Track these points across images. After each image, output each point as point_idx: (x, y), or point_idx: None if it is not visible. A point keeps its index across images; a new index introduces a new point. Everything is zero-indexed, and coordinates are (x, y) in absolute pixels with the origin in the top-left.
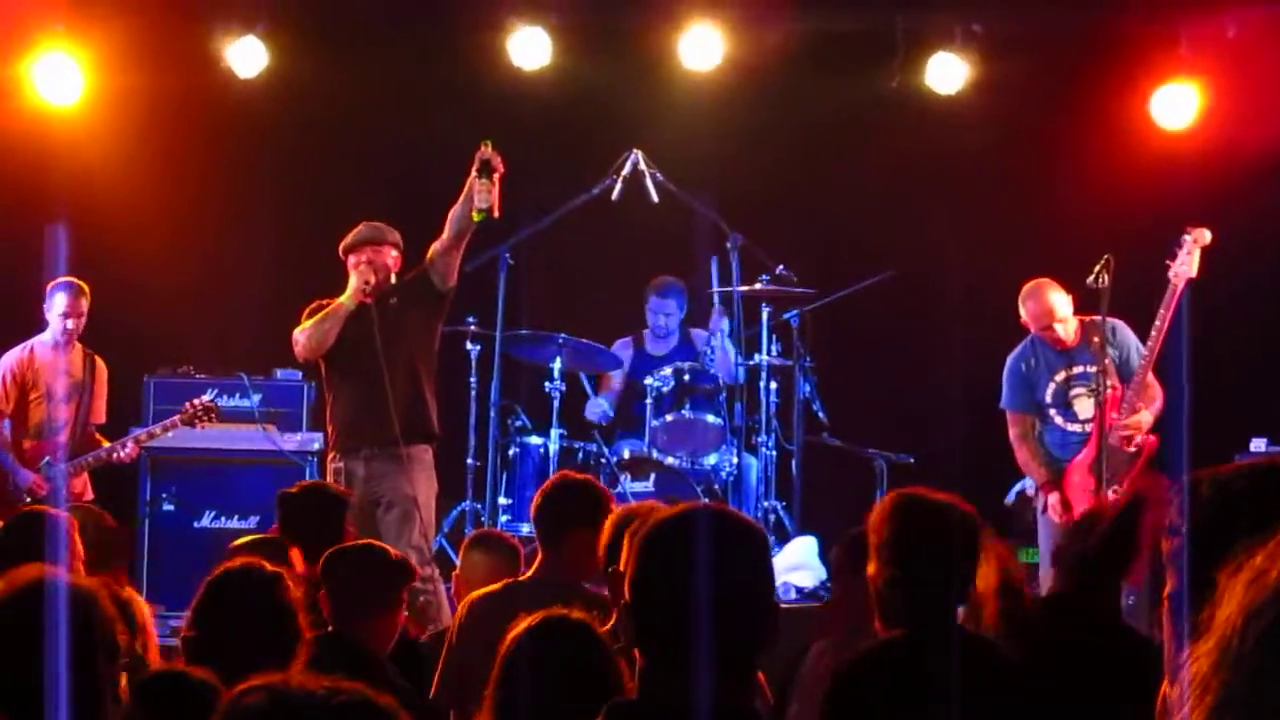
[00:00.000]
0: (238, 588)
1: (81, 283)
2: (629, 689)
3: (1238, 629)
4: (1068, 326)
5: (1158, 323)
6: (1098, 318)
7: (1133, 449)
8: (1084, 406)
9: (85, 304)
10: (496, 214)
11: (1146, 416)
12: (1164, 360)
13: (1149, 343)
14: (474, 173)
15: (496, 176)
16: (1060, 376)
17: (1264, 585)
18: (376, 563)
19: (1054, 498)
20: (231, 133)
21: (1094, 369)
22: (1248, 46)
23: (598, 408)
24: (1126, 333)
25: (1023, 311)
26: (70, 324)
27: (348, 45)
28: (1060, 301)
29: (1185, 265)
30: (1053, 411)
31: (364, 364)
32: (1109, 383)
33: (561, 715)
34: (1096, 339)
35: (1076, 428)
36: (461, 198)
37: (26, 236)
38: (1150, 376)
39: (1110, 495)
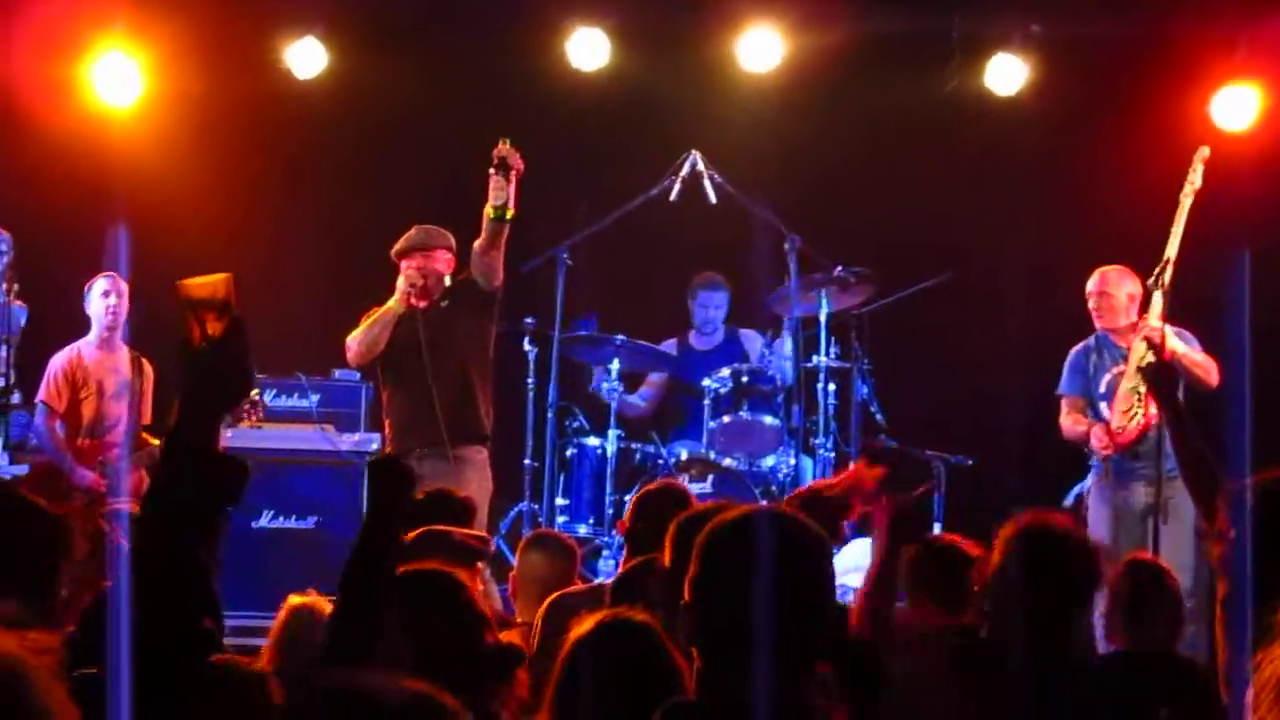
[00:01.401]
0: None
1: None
2: (690, 690)
3: None
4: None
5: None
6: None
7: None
8: (1121, 407)
9: (124, 288)
10: (511, 211)
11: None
12: (1224, 357)
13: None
14: (491, 170)
15: (514, 174)
16: (1118, 369)
17: None
18: (448, 543)
19: (1098, 428)
20: (289, 134)
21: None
22: None
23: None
24: (1179, 340)
25: (1101, 293)
26: (112, 301)
27: (407, 46)
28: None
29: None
30: (1103, 404)
31: (412, 367)
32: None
33: (622, 715)
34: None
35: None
36: None
37: (86, 236)
38: (1202, 355)
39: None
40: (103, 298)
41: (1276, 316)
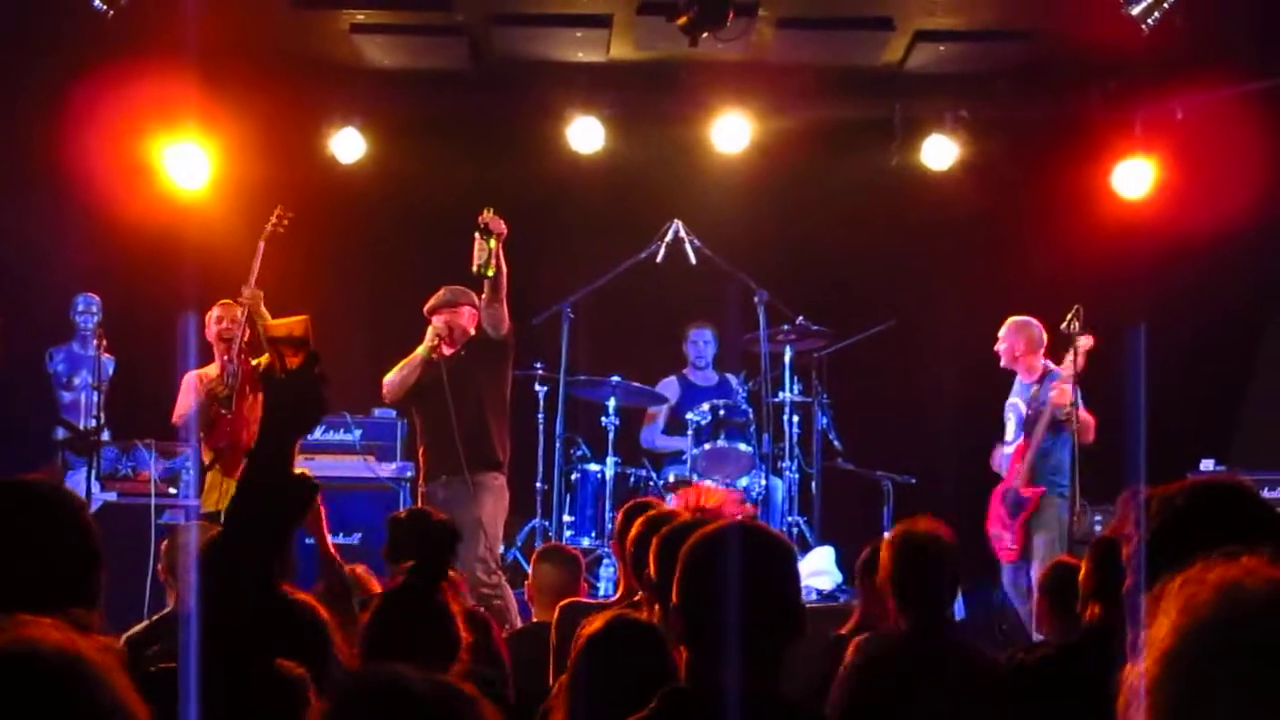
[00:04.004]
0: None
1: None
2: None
3: (1172, 649)
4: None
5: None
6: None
7: (1025, 493)
8: (1009, 430)
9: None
10: (493, 270)
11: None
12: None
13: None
14: (476, 235)
15: (495, 237)
16: (1009, 400)
17: (1193, 609)
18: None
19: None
20: (336, 211)
21: (1022, 402)
22: (1194, 128)
23: (652, 437)
24: (1060, 381)
25: (1010, 338)
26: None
27: (432, 135)
28: (1004, 332)
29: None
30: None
31: (437, 405)
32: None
33: (627, 704)
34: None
35: (1005, 447)
36: None
37: (163, 299)
38: (1083, 412)
39: (1010, 536)
40: (216, 324)
41: (1176, 351)
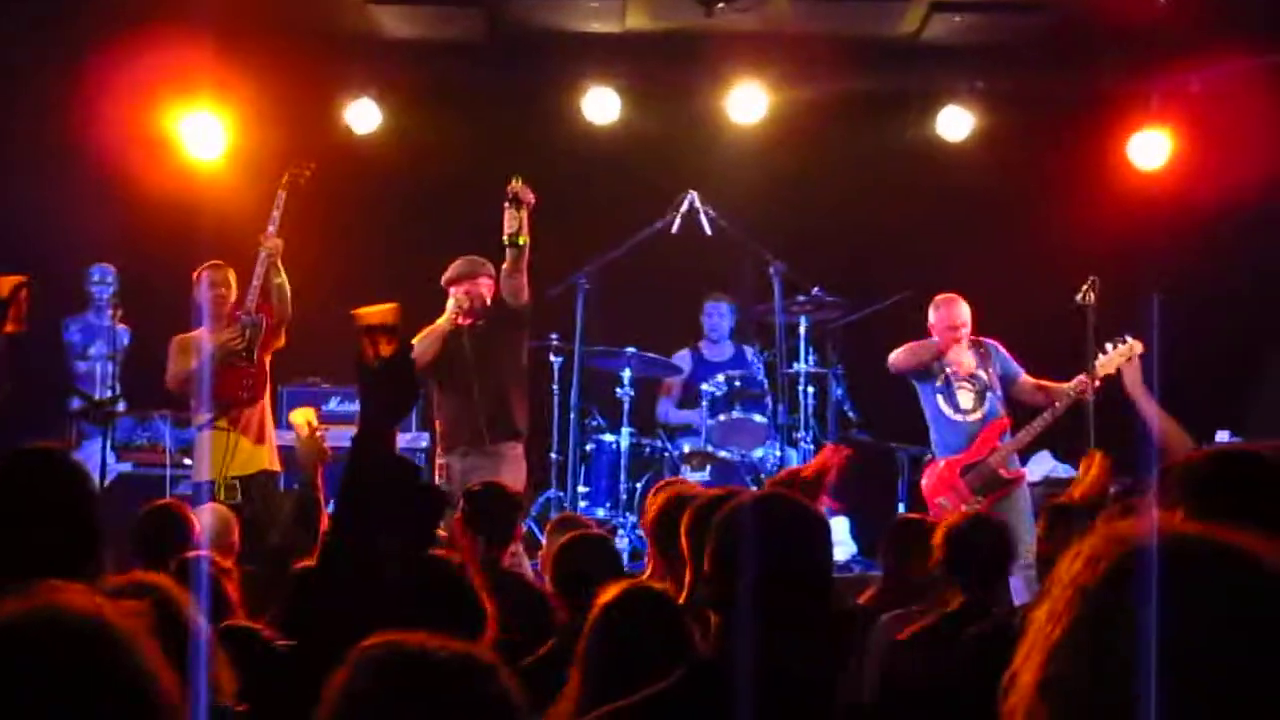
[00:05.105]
0: None
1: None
2: (699, 647)
3: (1060, 595)
4: (965, 333)
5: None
6: (981, 338)
7: (1006, 475)
8: (965, 399)
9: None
10: (525, 238)
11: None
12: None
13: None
14: (505, 204)
15: (525, 207)
16: (949, 370)
17: (1090, 560)
18: None
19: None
20: (351, 180)
21: (980, 371)
22: (1210, 100)
23: (665, 411)
24: (1003, 351)
25: (932, 316)
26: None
27: (448, 106)
28: (965, 312)
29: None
30: (940, 397)
31: (458, 376)
32: (1001, 410)
33: (641, 665)
34: (982, 351)
35: (958, 417)
36: None
37: (178, 270)
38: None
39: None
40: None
41: (1193, 324)
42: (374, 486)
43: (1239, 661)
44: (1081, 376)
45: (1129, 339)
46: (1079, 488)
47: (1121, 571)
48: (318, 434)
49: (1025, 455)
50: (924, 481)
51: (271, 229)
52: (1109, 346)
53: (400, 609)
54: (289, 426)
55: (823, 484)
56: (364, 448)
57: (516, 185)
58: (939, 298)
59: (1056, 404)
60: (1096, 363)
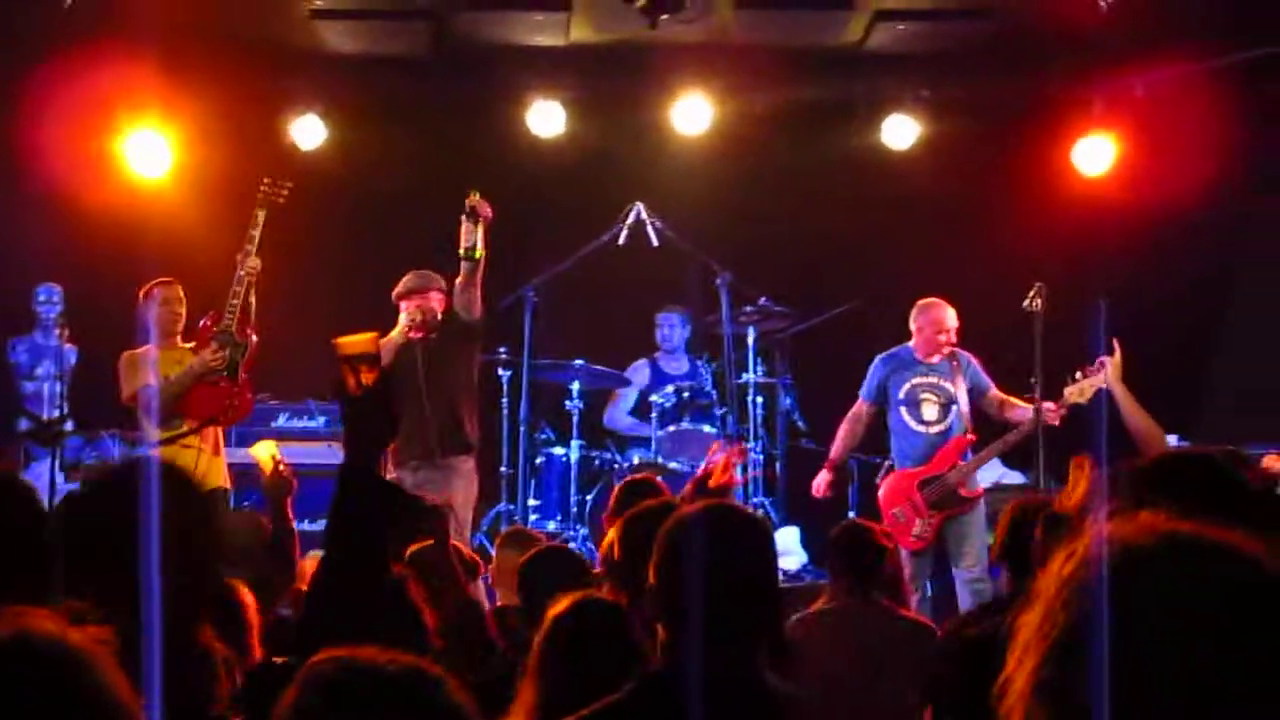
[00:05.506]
0: None
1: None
2: (652, 660)
3: (1052, 598)
4: (946, 339)
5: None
6: (956, 349)
7: (965, 494)
8: (929, 411)
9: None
10: (480, 252)
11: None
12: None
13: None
14: (462, 217)
15: (482, 220)
16: (916, 380)
17: (1080, 561)
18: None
19: (824, 478)
20: (298, 196)
21: (947, 383)
22: (1154, 104)
23: (614, 417)
24: (975, 364)
25: (915, 322)
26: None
27: (393, 120)
28: (951, 318)
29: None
30: (903, 409)
31: (410, 390)
32: (965, 426)
33: (592, 679)
34: (955, 363)
35: (920, 428)
36: None
37: (125, 289)
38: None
39: (922, 524)
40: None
41: (1140, 327)
42: (365, 518)
43: (1244, 656)
44: (1050, 405)
45: (1105, 361)
46: (1071, 497)
47: (1118, 570)
48: (283, 467)
49: None
50: (880, 491)
51: (250, 248)
52: (1078, 375)
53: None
54: (248, 454)
55: (731, 485)
56: (352, 481)
57: (474, 199)
58: (922, 301)
59: (1021, 427)
60: (1067, 390)
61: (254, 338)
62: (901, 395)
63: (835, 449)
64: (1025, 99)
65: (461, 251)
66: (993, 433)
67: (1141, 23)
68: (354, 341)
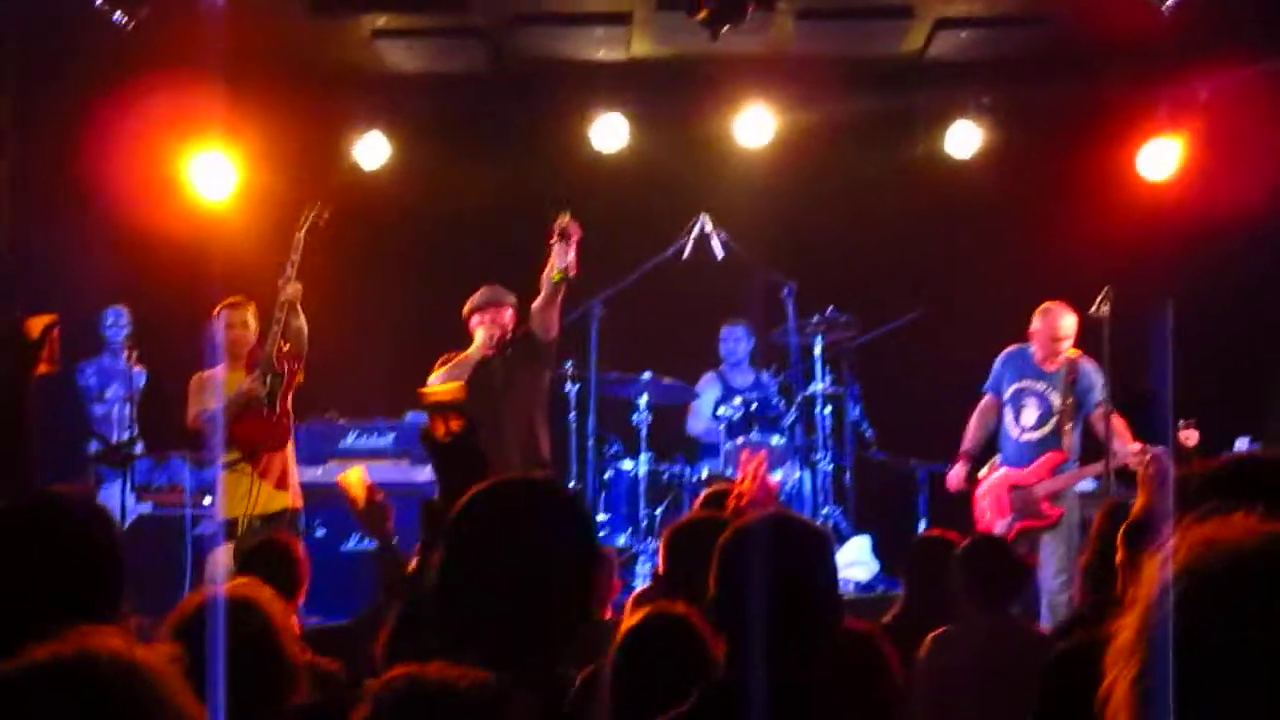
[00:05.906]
0: None
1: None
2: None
3: (1153, 603)
4: (1065, 346)
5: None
6: (1081, 359)
7: (1046, 509)
8: (1028, 416)
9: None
10: (573, 273)
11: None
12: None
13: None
14: (554, 239)
15: (573, 241)
16: (1024, 384)
17: (1182, 563)
18: None
19: (959, 470)
20: (362, 215)
21: (1053, 394)
22: (1218, 107)
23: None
24: (1096, 380)
25: (1037, 322)
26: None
27: (456, 137)
28: (1069, 324)
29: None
30: (1008, 408)
31: (486, 406)
32: (1064, 441)
33: (666, 691)
34: (1072, 376)
35: (1016, 431)
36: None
37: (193, 310)
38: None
39: (1004, 525)
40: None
41: (1210, 331)
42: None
43: None
44: (1138, 448)
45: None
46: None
47: (1231, 571)
48: (378, 497)
49: None
50: (981, 480)
51: (290, 273)
52: (1135, 446)
53: None
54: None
55: (761, 495)
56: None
57: (565, 220)
58: (1044, 305)
59: (1110, 461)
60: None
61: (290, 367)
62: (1008, 395)
63: (966, 440)
64: (1087, 104)
65: (555, 275)
66: (1096, 453)
67: (1204, 26)
68: (440, 390)
